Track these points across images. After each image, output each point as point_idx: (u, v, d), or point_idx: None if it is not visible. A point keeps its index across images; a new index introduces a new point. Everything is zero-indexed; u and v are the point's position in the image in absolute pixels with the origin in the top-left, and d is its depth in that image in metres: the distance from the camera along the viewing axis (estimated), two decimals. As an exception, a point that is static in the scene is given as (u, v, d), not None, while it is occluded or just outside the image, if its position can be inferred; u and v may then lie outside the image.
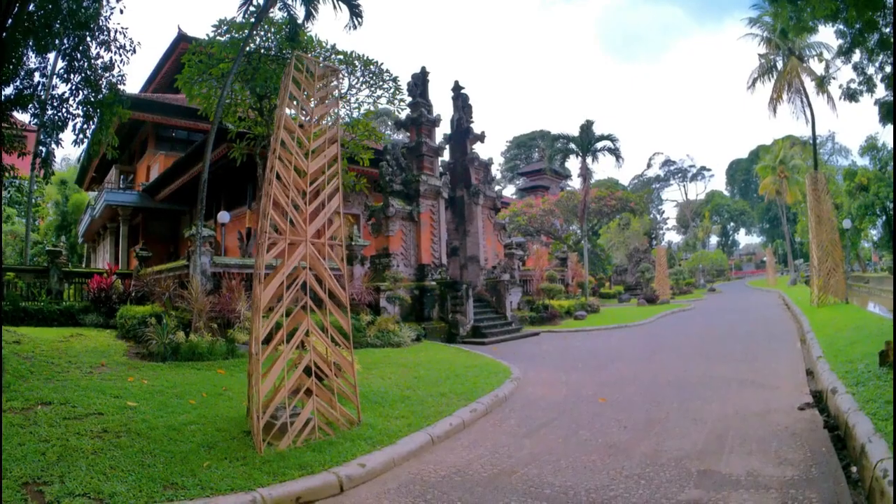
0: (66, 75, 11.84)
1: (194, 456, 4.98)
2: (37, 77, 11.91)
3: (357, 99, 16.56)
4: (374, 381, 9.14)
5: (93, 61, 11.95)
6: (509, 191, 69.11)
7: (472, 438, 6.18)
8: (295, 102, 6.86)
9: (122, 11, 12.20)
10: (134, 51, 12.30)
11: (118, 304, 14.36)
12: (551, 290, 23.08)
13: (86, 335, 12.32)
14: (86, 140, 12.51)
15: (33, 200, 29.81)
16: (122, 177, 24.14)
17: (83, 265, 28.97)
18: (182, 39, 22.36)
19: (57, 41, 11.37)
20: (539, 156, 63.45)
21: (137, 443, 5.25)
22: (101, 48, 11.98)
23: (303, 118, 6.78)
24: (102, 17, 12.00)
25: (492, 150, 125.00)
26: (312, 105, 6.65)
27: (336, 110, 6.89)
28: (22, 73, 11.53)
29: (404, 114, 18.17)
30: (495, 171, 79.31)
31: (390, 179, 17.69)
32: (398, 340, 14.09)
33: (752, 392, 7.78)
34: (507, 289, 19.27)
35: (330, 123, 6.84)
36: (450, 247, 21.43)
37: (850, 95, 12.19)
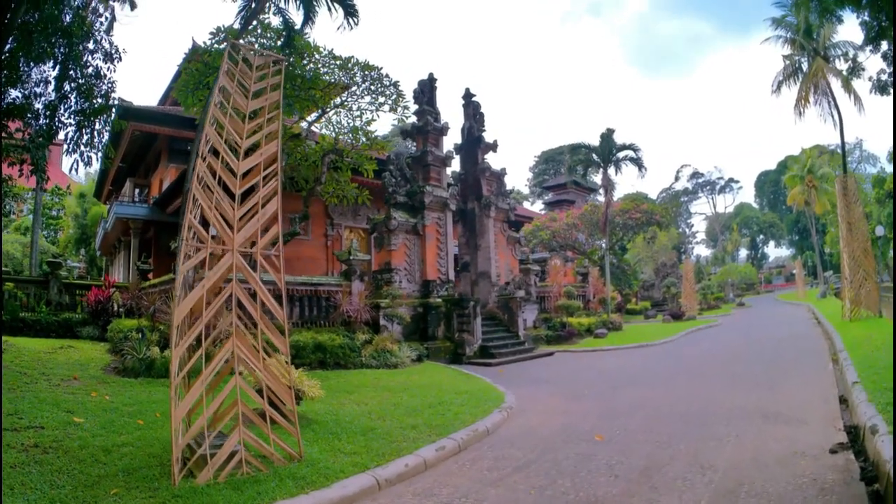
0: (57, 84, 11.62)
1: (108, 481, 4.65)
2: (30, 87, 11.72)
3: (359, 106, 15.94)
4: (347, 407, 8.26)
5: (84, 70, 11.71)
6: (538, 206, 68.00)
7: (428, 484, 5.19)
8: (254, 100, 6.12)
9: (107, 18, 11.95)
10: (119, 58, 12.06)
11: (113, 317, 14.09)
12: (570, 307, 21.87)
13: (77, 347, 12.19)
14: (77, 150, 12.25)
15: (55, 213, 30.28)
16: (136, 190, 24.08)
17: (102, 278, 29.01)
18: (196, 51, 22.24)
19: (48, 50, 11.10)
20: (565, 170, 62.30)
21: (60, 461, 5.01)
22: (88, 56, 11.77)
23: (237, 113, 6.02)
24: (95, 27, 11.84)
25: (520, 165, 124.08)
26: (250, 99, 5.90)
27: (279, 102, 6.09)
28: (18, 83, 11.37)
29: (409, 122, 17.43)
30: (524, 186, 78.31)
31: (393, 191, 16.89)
32: (395, 361, 13.21)
33: (775, 428, 6.55)
34: (519, 306, 18.20)
35: (270, 118, 6.05)
36: (460, 262, 20.50)
37: (881, 88, 11.00)
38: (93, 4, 15.12)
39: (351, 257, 14.90)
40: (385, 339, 13.79)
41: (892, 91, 10.83)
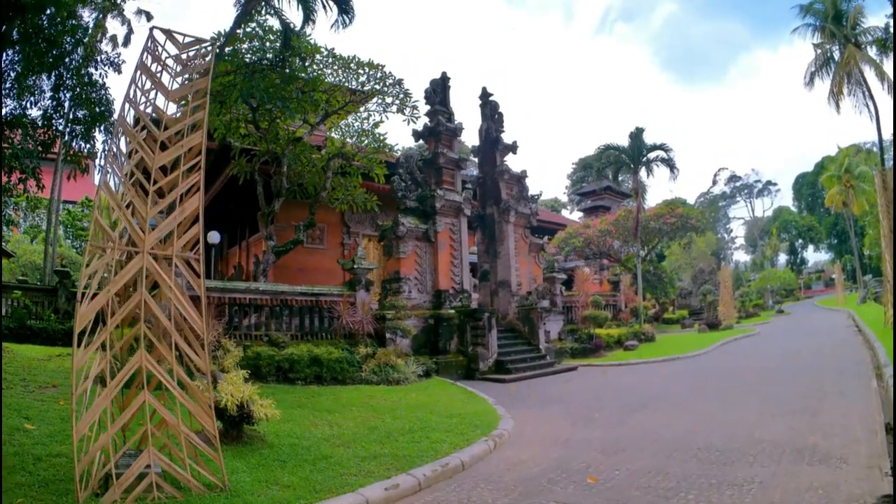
0: (52, 94, 11.54)
1: (21, 491, 4.44)
2: (26, 97, 11.67)
3: (365, 108, 15.33)
4: (318, 429, 7.45)
5: (81, 78, 11.62)
6: (577, 215, 66.73)
7: (360, 539, 4.30)
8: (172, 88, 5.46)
9: (100, 27, 11.77)
10: (119, 70, 11.98)
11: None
12: (597, 318, 20.55)
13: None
14: (76, 158, 12.23)
15: (85, 225, 30.84)
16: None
17: (131, 288, 29.12)
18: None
19: (37, 60, 10.99)
20: (594, 175, 61.09)
21: (-13, 468, 4.67)
22: (84, 65, 11.67)
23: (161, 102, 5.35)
24: (89, 35, 11.75)
25: (558, 173, 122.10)
26: (174, 87, 5.23)
27: (206, 89, 5.39)
28: (22, 95, 11.36)
29: (420, 123, 16.64)
30: (562, 194, 76.88)
31: (403, 195, 16.08)
32: (398, 377, 12.34)
33: (809, 470, 5.34)
34: (541, 317, 17.03)
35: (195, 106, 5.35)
36: (480, 270, 19.52)
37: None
38: (100, 18, 15.01)
39: (355, 266, 14.16)
40: (389, 353, 12.96)
41: None
